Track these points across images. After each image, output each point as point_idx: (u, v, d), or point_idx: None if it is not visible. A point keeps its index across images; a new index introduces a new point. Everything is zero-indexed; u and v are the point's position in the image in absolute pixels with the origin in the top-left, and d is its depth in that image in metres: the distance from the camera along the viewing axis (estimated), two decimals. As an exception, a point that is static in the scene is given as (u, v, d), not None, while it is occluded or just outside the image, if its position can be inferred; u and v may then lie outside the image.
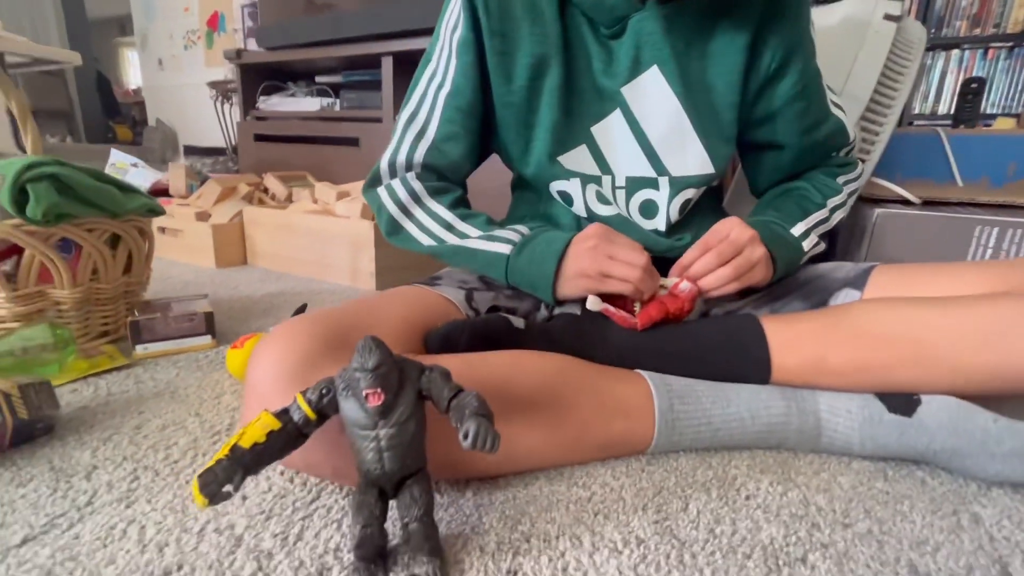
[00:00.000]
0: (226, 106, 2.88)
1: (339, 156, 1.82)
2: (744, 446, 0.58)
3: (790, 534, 0.45)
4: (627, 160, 0.69)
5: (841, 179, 0.74)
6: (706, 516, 0.47)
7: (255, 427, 0.37)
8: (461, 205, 0.71)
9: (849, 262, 0.74)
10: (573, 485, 0.51)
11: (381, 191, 0.71)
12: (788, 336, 0.59)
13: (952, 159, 1.03)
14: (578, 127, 0.69)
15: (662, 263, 0.63)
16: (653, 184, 0.69)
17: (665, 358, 0.60)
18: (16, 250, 0.72)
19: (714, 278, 0.59)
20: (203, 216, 1.46)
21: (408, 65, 1.65)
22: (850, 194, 0.73)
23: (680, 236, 0.71)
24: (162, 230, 1.51)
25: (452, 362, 0.47)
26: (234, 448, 0.36)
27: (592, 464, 0.54)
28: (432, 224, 0.69)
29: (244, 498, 0.47)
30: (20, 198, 0.65)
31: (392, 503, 0.41)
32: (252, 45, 2.07)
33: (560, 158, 0.69)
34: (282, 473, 0.51)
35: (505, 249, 0.64)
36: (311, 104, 1.98)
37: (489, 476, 0.51)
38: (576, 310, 0.67)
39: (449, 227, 0.68)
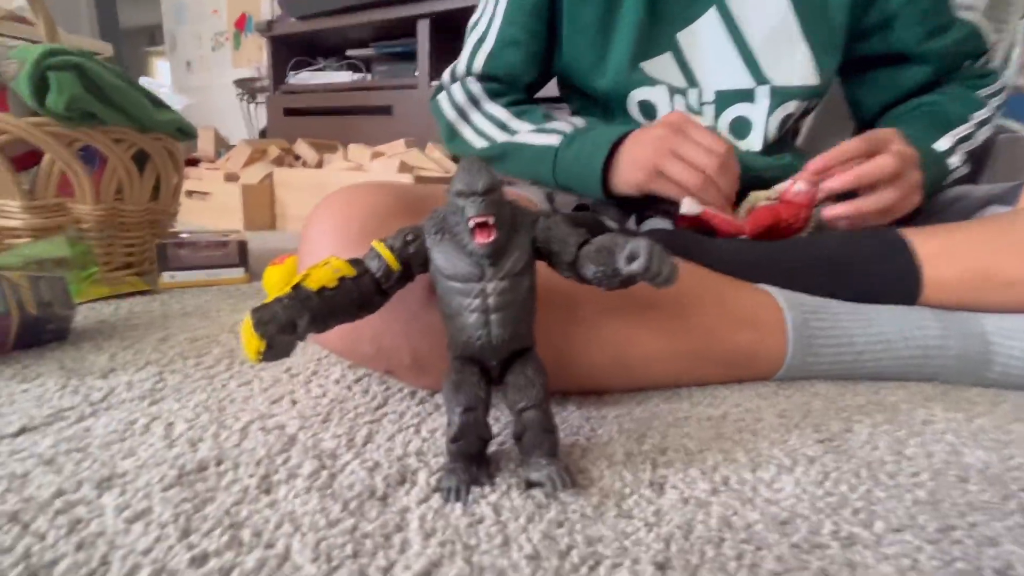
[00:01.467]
0: (251, 106, 2.87)
1: (372, 124, 1.75)
2: (892, 376, 0.47)
3: (1006, 459, 0.34)
4: (719, 69, 0.59)
5: (982, 92, 0.62)
6: (882, 438, 0.36)
7: (323, 270, 0.28)
8: (522, 105, 0.64)
9: (982, 185, 0.63)
10: (698, 404, 0.40)
11: (441, 97, 0.66)
12: (939, 246, 0.49)
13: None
14: (663, 32, 0.60)
15: (754, 186, 0.54)
16: (748, 96, 0.59)
17: (786, 274, 0.49)
18: (34, 159, 0.64)
19: (873, 200, 0.49)
20: (232, 177, 1.39)
21: (446, 30, 1.58)
22: (996, 108, 0.62)
23: (780, 156, 0.61)
24: (190, 194, 1.44)
25: None
26: (298, 288, 0.27)
27: (714, 387, 0.44)
28: (487, 125, 0.63)
29: (294, 401, 0.38)
30: (41, 87, 0.57)
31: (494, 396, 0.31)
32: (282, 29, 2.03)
33: (643, 64, 0.60)
34: (337, 381, 0.42)
35: (555, 140, 0.57)
36: (342, 76, 1.93)
37: (592, 388, 0.41)
38: (667, 224, 0.57)
39: (503, 126, 0.62)
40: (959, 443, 0.36)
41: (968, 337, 0.47)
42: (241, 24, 3.58)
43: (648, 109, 0.61)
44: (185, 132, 0.75)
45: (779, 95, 0.58)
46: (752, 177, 0.54)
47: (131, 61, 5.17)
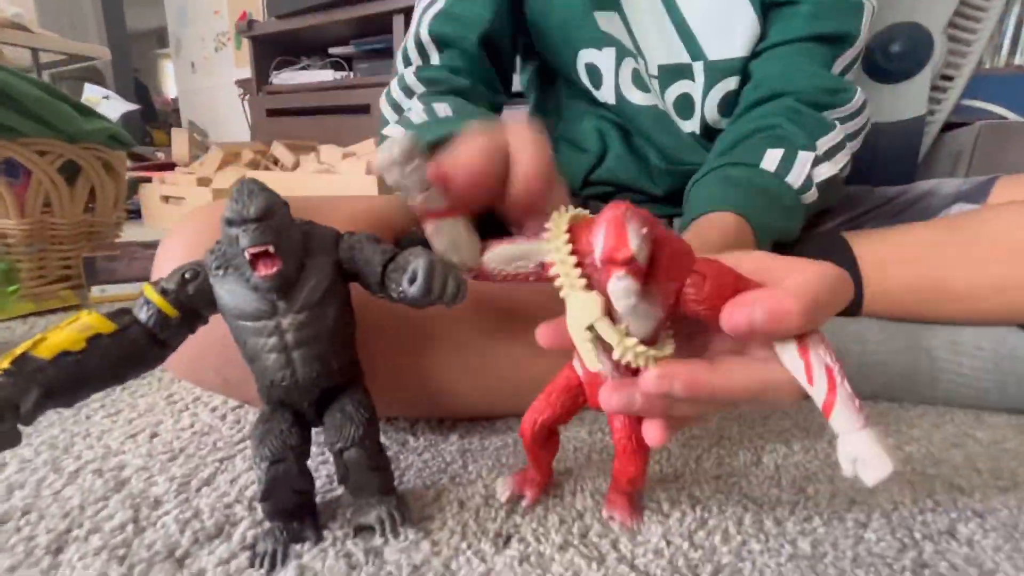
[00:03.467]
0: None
1: (350, 124, 1.72)
2: (828, 394, 0.43)
3: (921, 498, 0.30)
4: (658, 42, 0.53)
5: (831, 114, 0.47)
6: (790, 472, 0.32)
7: (65, 331, 0.23)
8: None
9: (955, 178, 0.58)
10: (598, 431, 0.37)
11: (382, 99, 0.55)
12: (887, 252, 0.44)
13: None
14: None
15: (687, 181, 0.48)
16: (687, 73, 0.53)
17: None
18: (-44, 173, 0.63)
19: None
20: (204, 181, 1.38)
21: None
22: (848, 136, 0.47)
23: None
24: (165, 199, 1.43)
25: None
26: (22, 358, 0.22)
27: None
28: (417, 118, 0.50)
29: (153, 435, 0.35)
30: (-53, 100, 0.55)
31: (315, 437, 0.27)
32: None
33: (595, 13, 0.53)
34: (214, 410, 0.39)
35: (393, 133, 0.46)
36: (324, 75, 1.90)
37: (479, 415, 0.38)
38: None
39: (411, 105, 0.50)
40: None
41: (914, 352, 0.43)
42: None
43: (594, 75, 0.55)
44: (119, 140, 0.73)
45: (714, 70, 0.52)
46: (690, 170, 0.50)
47: (140, 64, 5.21)
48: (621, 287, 0.20)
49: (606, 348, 0.22)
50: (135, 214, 1.50)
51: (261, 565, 0.24)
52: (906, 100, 0.78)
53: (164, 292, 0.25)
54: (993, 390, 0.41)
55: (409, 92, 0.51)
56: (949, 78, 0.81)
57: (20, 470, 0.31)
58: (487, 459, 0.33)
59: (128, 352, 0.24)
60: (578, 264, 0.22)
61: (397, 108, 0.51)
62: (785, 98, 0.46)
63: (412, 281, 0.24)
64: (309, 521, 0.26)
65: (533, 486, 0.29)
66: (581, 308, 0.22)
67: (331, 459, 0.28)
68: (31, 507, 0.27)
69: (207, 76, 3.87)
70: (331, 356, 0.26)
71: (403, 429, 0.37)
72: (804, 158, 0.43)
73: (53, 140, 0.66)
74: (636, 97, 0.53)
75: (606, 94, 0.54)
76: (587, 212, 0.24)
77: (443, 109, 0.45)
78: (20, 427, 0.22)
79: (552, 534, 0.26)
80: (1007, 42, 1.26)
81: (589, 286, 0.22)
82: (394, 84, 0.52)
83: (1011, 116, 0.76)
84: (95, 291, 0.68)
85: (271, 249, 0.23)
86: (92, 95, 1.41)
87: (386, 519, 0.26)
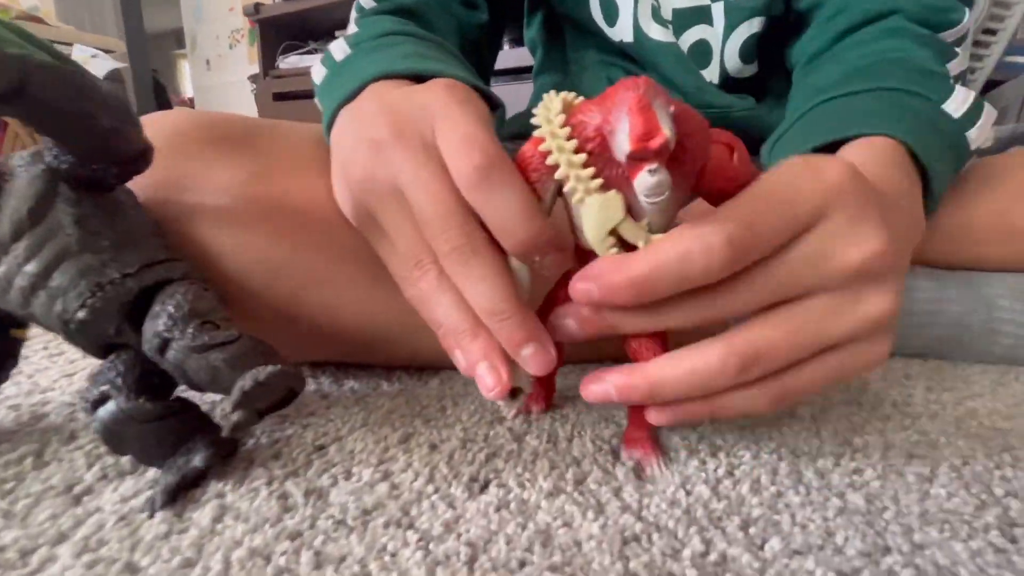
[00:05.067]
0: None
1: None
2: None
3: (996, 453, 0.25)
4: None
5: (946, 35, 0.39)
6: (833, 424, 0.27)
7: None
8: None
9: (1007, 125, 0.52)
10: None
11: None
12: (935, 185, 0.39)
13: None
14: None
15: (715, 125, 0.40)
16: (705, 15, 0.48)
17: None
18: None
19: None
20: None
21: None
22: (966, 68, 0.41)
23: (744, 96, 0.50)
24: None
25: None
26: None
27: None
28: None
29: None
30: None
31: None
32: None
33: None
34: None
35: (319, 76, 0.34)
36: (331, 59, 1.87)
37: (428, 365, 0.33)
38: None
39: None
40: (935, 432, 0.26)
41: (971, 302, 0.37)
42: (256, 18, 3.59)
43: (610, 8, 0.49)
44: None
45: (736, 9, 0.46)
46: (716, 115, 0.44)
47: (159, 64, 5.25)
48: (654, 182, 0.17)
49: (629, 249, 0.19)
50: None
51: (150, 507, 0.19)
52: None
53: None
54: (1066, 344, 0.35)
55: (360, 10, 0.42)
56: (992, 32, 0.75)
57: (-73, 403, 0.27)
58: (468, 404, 0.28)
59: None
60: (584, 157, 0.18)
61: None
62: (889, 19, 0.38)
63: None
64: (200, 446, 0.21)
65: (539, 399, 0.27)
66: (600, 211, 0.18)
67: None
68: (-78, 438, 0.23)
69: (221, 73, 3.89)
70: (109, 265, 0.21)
71: (378, 375, 0.32)
72: (990, 112, 0.33)
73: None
74: (656, 32, 0.47)
75: (622, 30, 0.49)
76: (578, 96, 0.19)
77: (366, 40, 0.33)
78: None
79: (540, 480, 0.21)
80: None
81: (605, 186, 0.18)
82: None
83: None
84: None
85: None
86: (81, 54, 1.40)
87: (240, 392, 0.20)
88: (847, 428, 0.26)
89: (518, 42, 1.38)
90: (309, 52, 1.94)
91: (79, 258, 0.20)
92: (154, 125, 0.28)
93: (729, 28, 0.46)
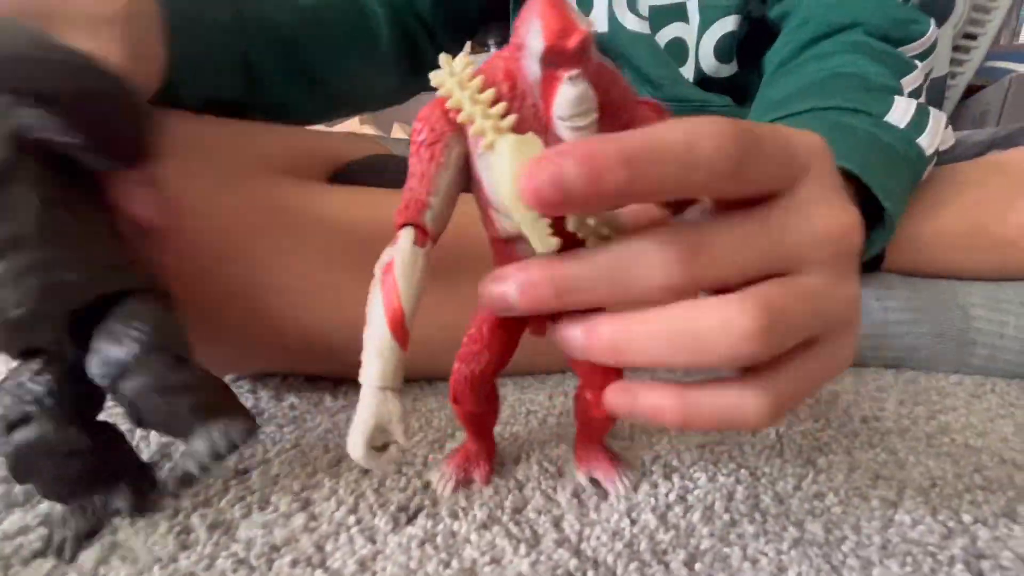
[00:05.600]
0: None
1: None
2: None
3: (967, 474, 0.23)
4: None
5: (907, 49, 0.38)
6: (794, 443, 0.25)
7: None
8: None
9: (986, 128, 0.51)
10: (560, 394, 0.30)
11: None
12: (913, 192, 0.38)
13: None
14: None
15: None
16: (681, 13, 0.47)
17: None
18: None
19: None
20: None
21: None
22: (926, 75, 0.39)
23: (721, 95, 0.49)
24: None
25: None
26: None
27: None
28: None
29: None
30: None
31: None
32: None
33: None
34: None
35: None
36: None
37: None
38: None
39: None
40: (904, 450, 0.25)
41: (945, 311, 0.36)
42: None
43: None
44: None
45: (710, 7, 0.46)
46: (691, 109, 0.43)
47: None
48: (576, 94, 0.13)
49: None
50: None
51: (58, 553, 0.17)
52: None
53: None
54: (1044, 355, 0.34)
55: None
56: (972, 36, 0.74)
57: None
58: (416, 421, 0.27)
59: None
60: (492, 93, 0.14)
61: None
62: (850, 32, 0.37)
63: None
64: (123, 486, 0.19)
65: (481, 461, 0.22)
66: (516, 153, 0.14)
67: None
68: None
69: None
70: (67, 264, 0.18)
71: (324, 389, 0.31)
72: (937, 116, 0.33)
73: None
74: (631, 23, 0.46)
75: (596, 20, 0.48)
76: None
77: None
78: None
79: (476, 508, 0.20)
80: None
81: (519, 130, 0.14)
82: None
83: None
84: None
85: None
86: None
87: (206, 452, 0.18)
88: (812, 446, 0.25)
89: (503, 44, 1.37)
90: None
91: (32, 251, 0.17)
92: None
93: (704, 25, 0.46)
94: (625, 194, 0.13)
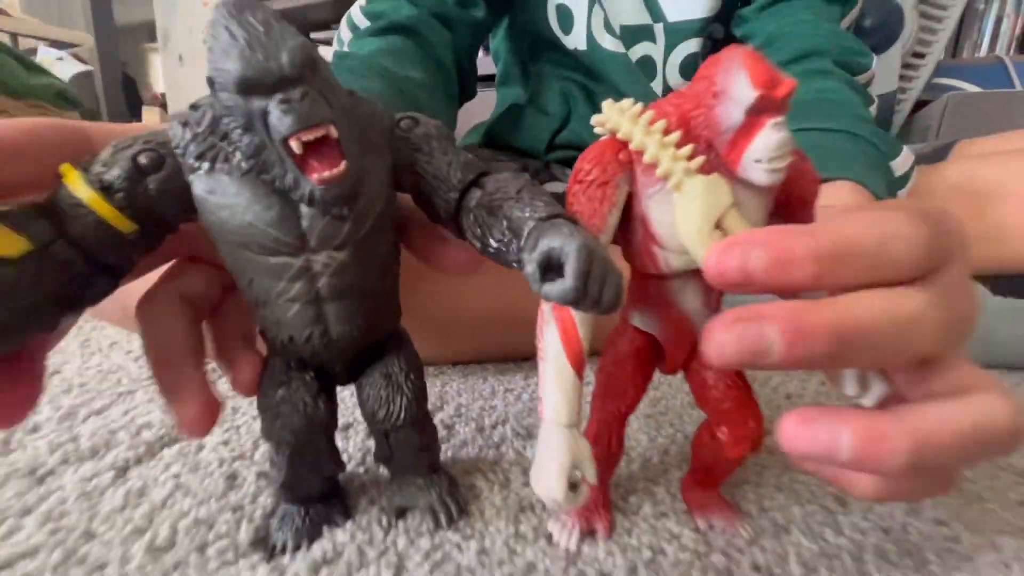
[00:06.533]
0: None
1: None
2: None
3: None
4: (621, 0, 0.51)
5: (860, 78, 0.43)
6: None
7: None
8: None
9: (914, 144, 0.57)
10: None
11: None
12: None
13: (1019, 85, 0.84)
14: None
15: None
16: (648, 34, 0.52)
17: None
18: None
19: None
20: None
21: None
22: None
23: None
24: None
25: None
26: None
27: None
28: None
29: (55, 372, 0.33)
30: None
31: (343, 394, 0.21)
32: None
33: None
34: (128, 352, 0.37)
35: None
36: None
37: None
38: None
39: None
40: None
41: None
42: (231, 15, 3.54)
43: (565, 17, 0.53)
44: (67, 99, 0.70)
45: (674, 32, 0.51)
46: None
47: (130, 58, 5.12)
48: (779, 139, 0.14)
49: None
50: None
51: (282, 552, 0.19)
52: (876, 76, 0.78)
53: (108, 188, 0.14)
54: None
55: (355, 28, 0.46)
56: (920, 55, 0.81)
57: None
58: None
59: (52, 285, 0.14)
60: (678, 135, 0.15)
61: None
62: (815, 59, 0.41)
63: (546, 268, 0.14)
64: (337, 501, 0.21)
65: (602, 510, 0.20)
66: (705, 195, 0.15)
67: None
68: None
69: (195, 68, 3.83)
70: (378, 308, 0.18)
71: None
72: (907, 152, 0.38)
73: (-6, 94, 0.63)
74: (608, 43, 0.51)
75: (576, 39, 0.53)
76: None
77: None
78: None
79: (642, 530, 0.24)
80: (987, 38, 1.28)
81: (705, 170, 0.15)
82: (353, 9, 0.47)
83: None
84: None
85: (333, 132, 0.14)
86: (46, 56, 1.37)
87: (439, 507, 0.20)
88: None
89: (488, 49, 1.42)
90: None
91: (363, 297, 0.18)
92: None
93: (669, 47, 0.51)
94: (808, 287, 0.13)
